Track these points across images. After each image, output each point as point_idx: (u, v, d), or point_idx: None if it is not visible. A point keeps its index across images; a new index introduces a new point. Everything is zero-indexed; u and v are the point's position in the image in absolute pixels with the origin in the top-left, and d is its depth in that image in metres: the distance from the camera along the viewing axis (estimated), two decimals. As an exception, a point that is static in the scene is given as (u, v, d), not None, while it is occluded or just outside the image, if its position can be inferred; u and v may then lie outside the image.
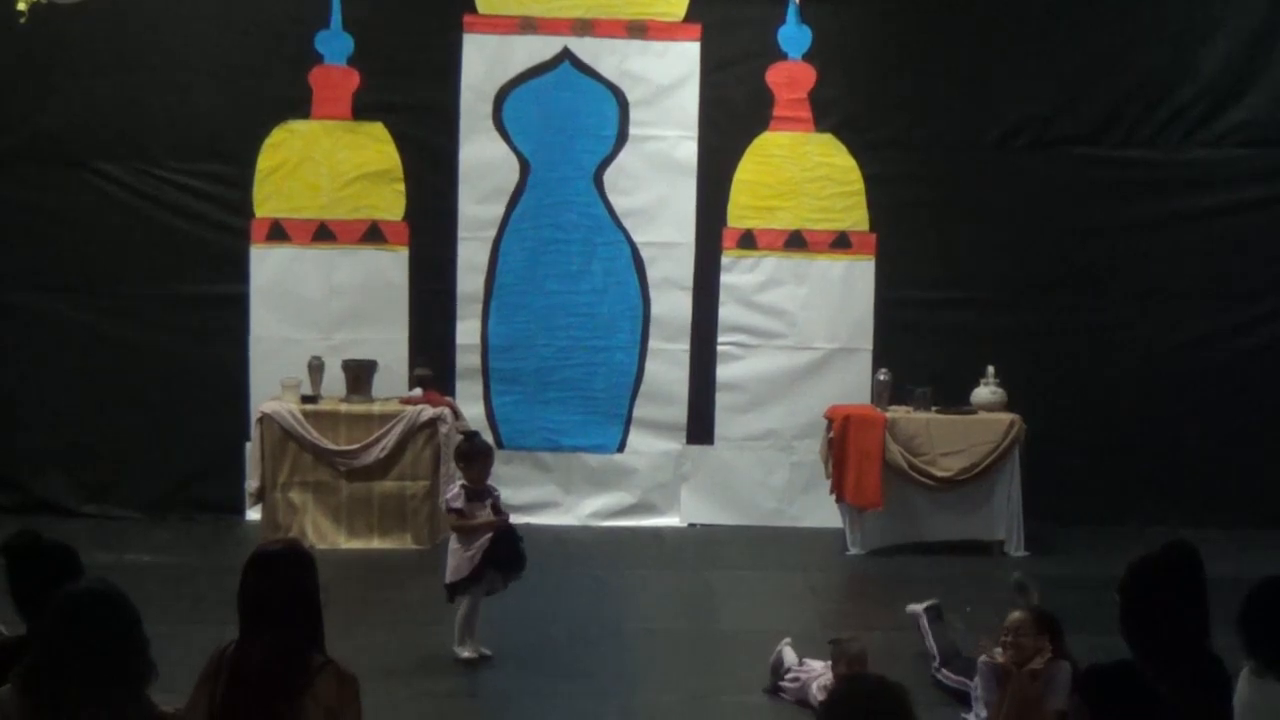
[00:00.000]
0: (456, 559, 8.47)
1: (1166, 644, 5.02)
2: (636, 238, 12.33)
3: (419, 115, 12.24)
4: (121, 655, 3.97)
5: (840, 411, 11.70)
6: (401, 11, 12.21)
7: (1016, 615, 7.37)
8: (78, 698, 3.89)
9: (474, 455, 8.79)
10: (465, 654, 8.43)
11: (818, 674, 7.74)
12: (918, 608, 8.57)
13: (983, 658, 7.41)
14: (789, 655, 8.06)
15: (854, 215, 12.38)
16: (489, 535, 8.43)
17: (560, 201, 12.31)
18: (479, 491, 8.58)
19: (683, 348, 12.41)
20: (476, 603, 8.52)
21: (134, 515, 11.92)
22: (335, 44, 12.10)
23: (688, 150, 12.31)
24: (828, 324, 12.41)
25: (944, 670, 8.02)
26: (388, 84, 12.14)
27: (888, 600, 10.22)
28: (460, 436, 10.45)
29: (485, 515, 8.51)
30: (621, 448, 12.43)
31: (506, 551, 8.47)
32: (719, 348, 12.44)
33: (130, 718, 4.00)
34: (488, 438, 11.50)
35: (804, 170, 12.35)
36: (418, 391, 11.65)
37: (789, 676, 7.93)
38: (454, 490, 8.63)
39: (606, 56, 12.26)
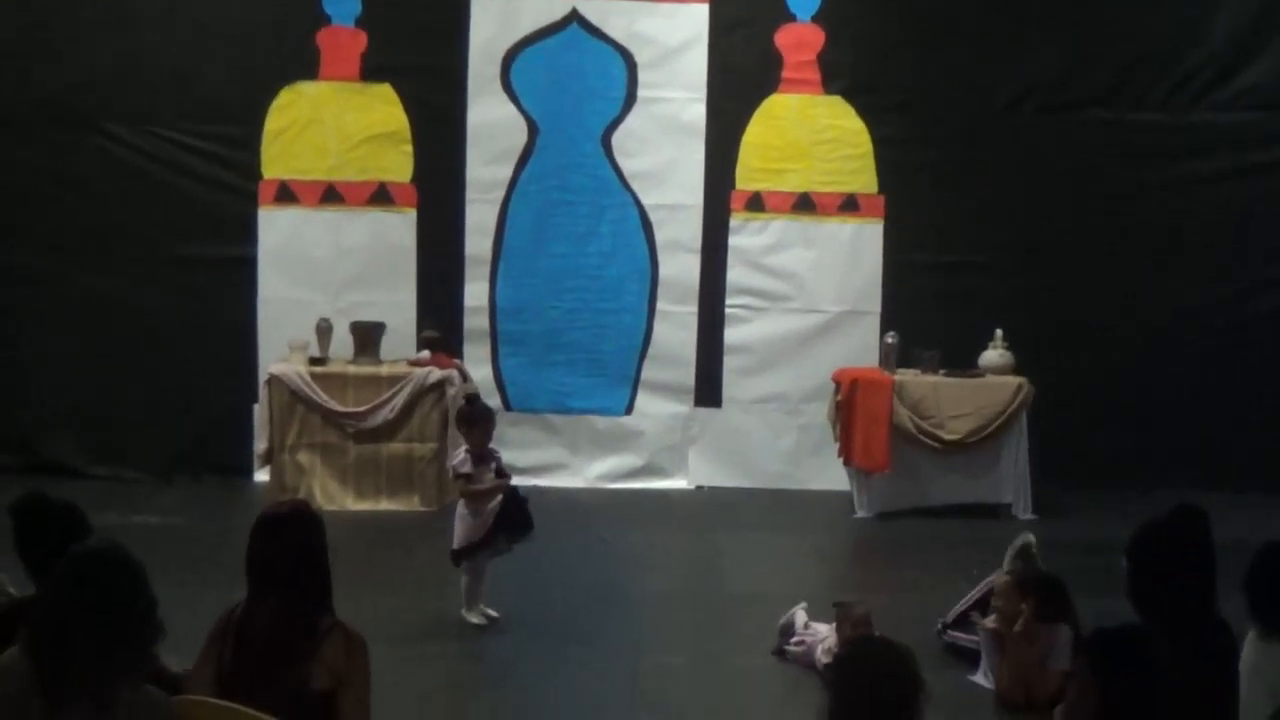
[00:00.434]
0: (466, 525, 8.45)
1: (1173, 608, 5.02)
2: (644, 200, 12.31)
3: (427, 77, 12.21)
4: (127, 616, 3.97)
5: (848, 374, 11.70)
6: (409, -27, 12.19)
7: (1001, 580, 7.43)
8: (82, 659, 3.90)
9: (475, 419, 8.77)
10: (474, 619, 8.44)
11: (823, 637, 7.76)
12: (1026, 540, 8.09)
13: (981, 624, 7.48)
14: (799, 619, 8.07)
15: (862, 178, 12.35)
16: (499, 499, 8.43)
17: (568, 164, 12.28)
18: (482, 455, 8.56)
19: (691, 310, 12.41)
20: (482, 567, 8.53)
21: (142, 477, 11.94)
22: (343, 5, 12.05)
23: (696, 112, 12.27)
24: (836, 287, 12.39)
25: (951, 631, 8.04)
26: (395, 45, 12.10)
27: (895, 563, 10.27)
28: (463, 400, 10.45)
29: (491, 479, 8.52)
30: (629, 410, 12.44)
31: (516, 514, 8.46)
32: (727, 310, 12.43)
33: (136, 678, 4.00)
34: (495, 400, 11.58)
35: (812, 133, 12.32)
36: (425, 354, 11.65)
37: (794, 640, 7.95)
38: (460, 456, 8.59)
39: (615, 18, 12.21)
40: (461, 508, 8.54)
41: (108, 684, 3.89)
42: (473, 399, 9.90)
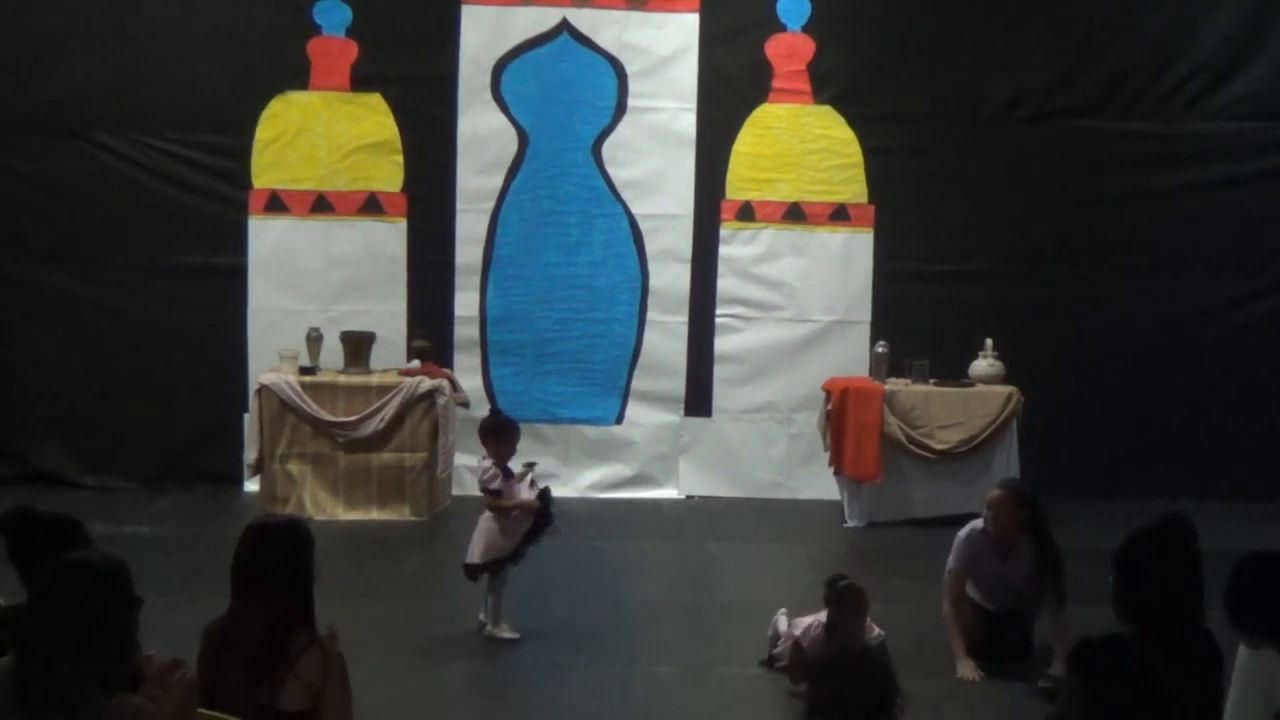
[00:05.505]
0: (491, 540, 8.19)
1: (1159, 618, 5.03)
2: (635, 210, 12.32)
3: (417, 86, 12.22)
4: (97, 625, 3.95)
5: (839, 384, 11.71)
6: (399, -18, 12.20)
7: (996, 493, 7.72)
8: (48, 665, 3.88)
9: (498, 431, 8.49)
10: (504, 634, 8.23)
11: (805, 624, 7.72)
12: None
13: (965, 530, 7.99)
14: (781, 624, 8.05)
15: (853, 187, 12.37)
16: (530, 518, 8.22)
17: (559, 173, 12.29)
18: (511, 470, 8.34)
19: (681, 320, 12.42)
20: (504, 580, 8.31)
21: (132, 487, 11.93)
22: (333, 15, 12.07)
23: (686, 122, 12.29)
24: (826, 296, 12.41)
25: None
26: (386, 55, 12.11)
27: (885, 573, 10.24)
28: (464, 409, 10.30)
29: (522, 497, 8.24)
30: (620, 420, 12.44)
31: (543, 521, 8.27)
32: (717, 320, 12.44)
33: (112, 688, 3.97)
34: (484, 410, 11.53)
35: (803, 142, 12.34)
36: (416, 363, 11.65)
37: (781, 644, 7.94)
38: (490, 471, 8.24)
39: (605, 28, 12.23)
40: (490, 521, 8.24)
41: (76, 691, 3.87)
42: (497, 411, 9.56)
